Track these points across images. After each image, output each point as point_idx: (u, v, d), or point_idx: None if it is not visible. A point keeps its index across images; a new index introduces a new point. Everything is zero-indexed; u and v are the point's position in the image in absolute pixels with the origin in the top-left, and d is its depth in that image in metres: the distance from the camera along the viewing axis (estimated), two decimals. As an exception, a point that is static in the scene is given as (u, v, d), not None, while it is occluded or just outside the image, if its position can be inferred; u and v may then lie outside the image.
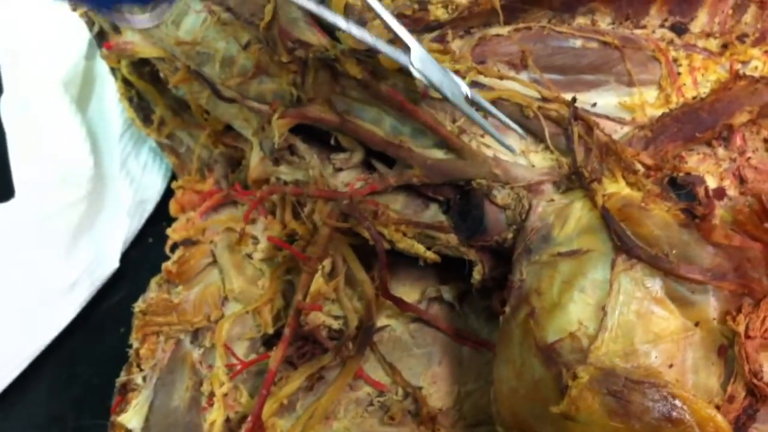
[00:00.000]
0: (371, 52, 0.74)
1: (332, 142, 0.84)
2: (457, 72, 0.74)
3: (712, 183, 0.74)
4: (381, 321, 0.87)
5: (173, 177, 1.11)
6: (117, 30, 0.91)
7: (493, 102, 0.74)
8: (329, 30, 0.79)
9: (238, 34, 0.82)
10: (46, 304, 1.01)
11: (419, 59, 0.67)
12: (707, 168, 0.75)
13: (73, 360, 1.05)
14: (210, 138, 1.02)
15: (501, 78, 0.77)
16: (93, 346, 1.05)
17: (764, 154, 0.77)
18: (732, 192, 0.74)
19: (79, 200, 1.01)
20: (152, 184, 1.13)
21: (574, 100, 0.74)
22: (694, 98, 0.79)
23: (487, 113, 0.73)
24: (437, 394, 0.83)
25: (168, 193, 1.10)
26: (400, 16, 0.74)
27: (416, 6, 0.77)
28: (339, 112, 0.79)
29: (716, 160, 0.76)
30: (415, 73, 0.67)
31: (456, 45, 0.80)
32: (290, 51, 0.78)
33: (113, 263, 1.06)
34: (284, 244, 0.84)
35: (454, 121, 0.77)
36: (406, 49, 0.67)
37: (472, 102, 0.71)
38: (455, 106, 0.71)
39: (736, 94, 0.77)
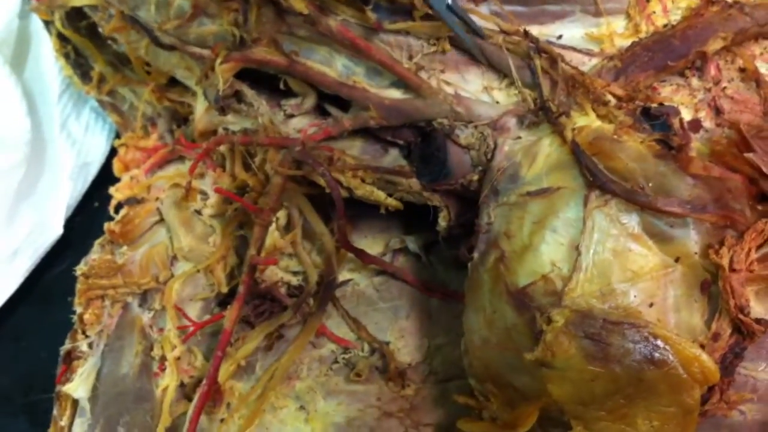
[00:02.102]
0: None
1: (281, 86, 0.79)
2: (411, 3, 0.70)
3: (687, 115, 0.71)
4: (343, 275, 0.84)
5: (117, 137, 1.06)
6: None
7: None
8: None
9: (173, -29, 0.77)
10: (-15, 275, 0.96)
11: None
12: (681, 99, 0.73)
13: (18, 334, 1.01)
14: (154, 93, 0.98)
15: (459, 10, 0.72)
16: (39, 318, 1.01)
17: (740, 84, 0.75)
18: (708, 124, 0.72)
19: (17, 165, 0.97)
20: (95, 146, 1.08)
21: (526, 32, 0.71)
22: (664, 26, 0.77)
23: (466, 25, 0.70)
24: (405, 349, 0.80)
25: (113, 156, 1.05)
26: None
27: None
28: (286, 54, 0.75)
29: (690, 90, 0.74)
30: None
31: (410, -23, 0.76)
32: (230, -13, 0.73)
33: (57, 230, 1.01)
34: (234, 195, 0.79)
35: (411, 57, 0.73)
36: None
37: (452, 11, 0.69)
38: (436, 13, 0.67)
39: (708, 20, 0.74)
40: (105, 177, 1.06)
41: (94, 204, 1.08)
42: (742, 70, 0.75)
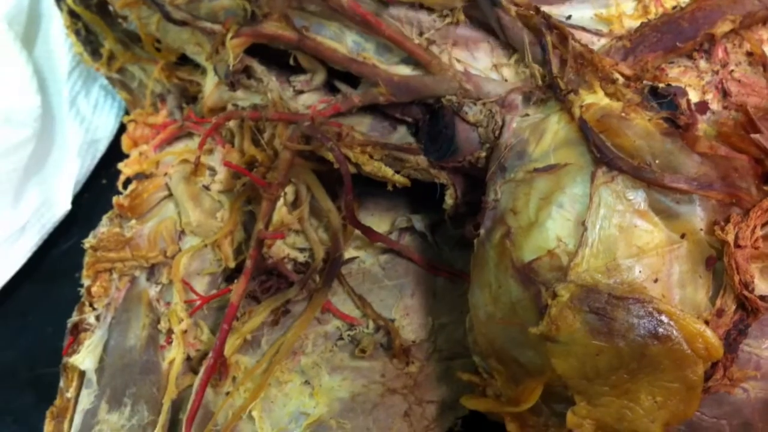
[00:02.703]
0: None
1: (291, 62, 0.79)
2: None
3: (694, 97, 0.71)
4: (349, 252, 0.84)
5: (126, 115, 1.06)
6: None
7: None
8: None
9: (184, -54, 0.78)
10: (-7, 250, 0.96)
11: None
12: (689, 81, 0.73)
13: (25, 309, 1.01)
14: (163, 71, 0.98)
15: (468, -11, 0.73)
16: (45, 293, 1.01)
17: (747, 68, 0.75)
18: (715, 106, 0.72)
19: (26, 141, 0.97)
20: (104, 123, 1.09)
21: (537, 8, 0.71)
22: (673, 8, 0.77)
23: None
24: (410, 327, 0.81)
25: (121, 133, 1.05)
26: None
27: None
28: (297, 29, 0.75)
29: (698, 72, 0.73)
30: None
31: (422, -44, 0.76)
32: (241, -38, 0.74)
33: (65, 205, 1.02)
34: (243, 170, 0.79)
35: (421, 33, 0.73)
36: None
37: None
38: None
39: (717, 2, 0.74)
40: (113, 154, 1.07)
41: (102, 181, 1.09)
42: (749, 54, 0.75)
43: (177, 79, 0.97)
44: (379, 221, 0.86)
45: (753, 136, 0.63)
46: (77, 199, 1.05)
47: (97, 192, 1.08)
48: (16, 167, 0.97)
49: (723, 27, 0.73)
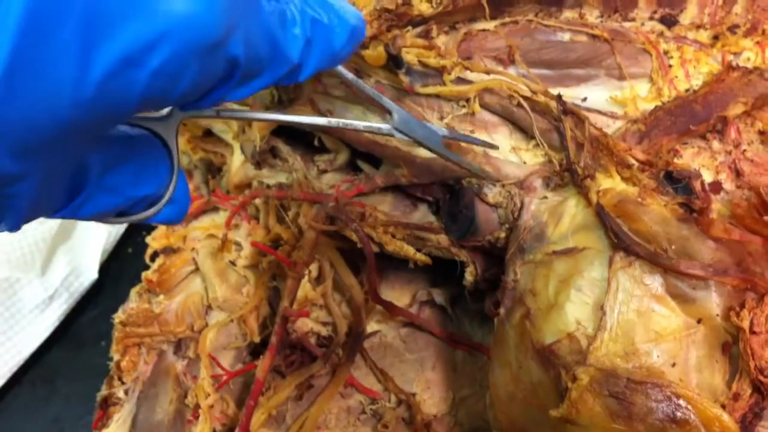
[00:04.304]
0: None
1: (316, 143, 0.81)
2: (443, 68, 0.72)
3: (708, 177, 0.73)
4: (371, 326, 0.85)
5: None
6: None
7: (481, 95, 0.73)
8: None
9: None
10: (22, 318, 0.98)
11: (402, 121, 0.65)
12: (703, 161, 0.74)
13: (52, 376, 1.02)
14: (189, 144, 1.00)
15: (488, 73, 0.74)
16: (72, 361, 1.03)
17: (760, 147, 0.76)
18: (728, 186, 0.73)
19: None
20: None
21: (560, 96, 0.72)
22: (686, 91, 0.78)
23: (468, 142, 0.72)
24: (431, 400, 0.82)
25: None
26: (383, 11, 0.72)
27: (399, 0, 0.75)
28: (322, 112, 0.77)
29: (711, 153, 0.75)
30: (399, 136, 0.65)
31: (441, 41, 0.78)
32: (270, 50, 0.76)
33: (92, 275, 1.04)
34: (269, 249, 0.81)
35: (441, 118, 0.75)
36: (388, 113, 0.65)
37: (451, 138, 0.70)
38: (439, 154, 0.69)
39: (729, 85, 0.76)
40: (139, 224, 1.09)
41: (128, 250, 1.11)
42: (761, 132, 0.76)
43: (203, 152, 0.99)
44: (399, 294, 0.87)
45: (766, 218, 0.64)
46: (103, 268, 1.06)
47: (123, 261, 1.09)
48: (45, 236, 0.99)
49: (735, 109, 0.74)
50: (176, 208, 0.50)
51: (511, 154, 0.74)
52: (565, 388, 0.60)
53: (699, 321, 0.61)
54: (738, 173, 0.74)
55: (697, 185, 0.67)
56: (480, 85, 0.73)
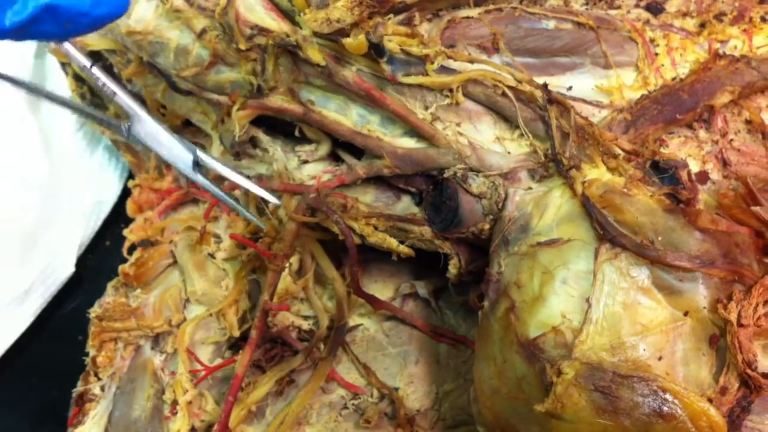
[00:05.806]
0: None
1: (296, 133, 0.80)
2: (426, 56, 0.71)
3: (694, 167, 0.72)
4: (353, 320, 0.84)
5: (130, 176, 1.07)
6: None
7: (465, 84, 0.71)
8: (289, 15, 0.75)
9: (192, 22, 0.79)
10: (-2, 312, 0.96)
11: (144, 131, 0.64)
12: (689, 151, 0.73)
13: (29, 371, 1.01)
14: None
15: (471, 62, 0.73)
16: (49, 355, 1.01)
17: (747, 136, 0.75)
18: (715, 176, 0.72)
19: (34, 203, 0.97)
20: (109, 184, 1.09)
21: (545, 84, 0.71)
22: (673, 79, 0.78)
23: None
24: (414, 395, 0.81)
25: (125, 194, 1.06)
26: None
27: (382, -13, 0.73)
28: (302, 102, 0.76)
29: (698, 142, 0.74)
30: (136, 142, 0.64)
31: (424, 28, 0.77)
32: (248, 38, 0.75)
33: (69, 268, 1.02)
34: (248, 241, 0.80)
35: (426, 107, 0.73)
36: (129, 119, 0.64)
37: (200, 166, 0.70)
38: (182, 174, 0.68)
39: (716, 74, 0.75)
40: (116, 216, 1.07)
41: (106, 243, 1.09)
42: (748, 122, 0.75)
43: (181, 143, 0.98)
44: (383, 287, 0.86)
45: (753, 208, 0.63)
46: (81, 261, 1.04)
47: (100, 253, 1.08)
48: (22, 230, 0.97)
49: (722, 98, 0.74)
50: None
51: (495, 144, 0.73)
52: (550, 383, 0.59)
53: (686, 313, 0.60)
54: (725, 163, 0.73)
55: (684, 175, 0.66)
56: (464, 76, 0.71)
